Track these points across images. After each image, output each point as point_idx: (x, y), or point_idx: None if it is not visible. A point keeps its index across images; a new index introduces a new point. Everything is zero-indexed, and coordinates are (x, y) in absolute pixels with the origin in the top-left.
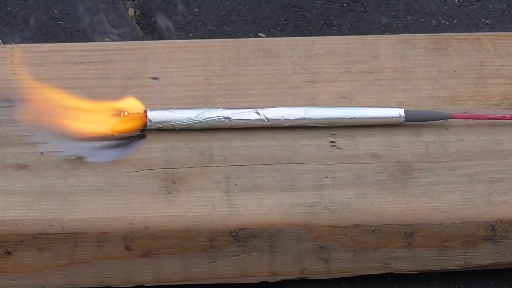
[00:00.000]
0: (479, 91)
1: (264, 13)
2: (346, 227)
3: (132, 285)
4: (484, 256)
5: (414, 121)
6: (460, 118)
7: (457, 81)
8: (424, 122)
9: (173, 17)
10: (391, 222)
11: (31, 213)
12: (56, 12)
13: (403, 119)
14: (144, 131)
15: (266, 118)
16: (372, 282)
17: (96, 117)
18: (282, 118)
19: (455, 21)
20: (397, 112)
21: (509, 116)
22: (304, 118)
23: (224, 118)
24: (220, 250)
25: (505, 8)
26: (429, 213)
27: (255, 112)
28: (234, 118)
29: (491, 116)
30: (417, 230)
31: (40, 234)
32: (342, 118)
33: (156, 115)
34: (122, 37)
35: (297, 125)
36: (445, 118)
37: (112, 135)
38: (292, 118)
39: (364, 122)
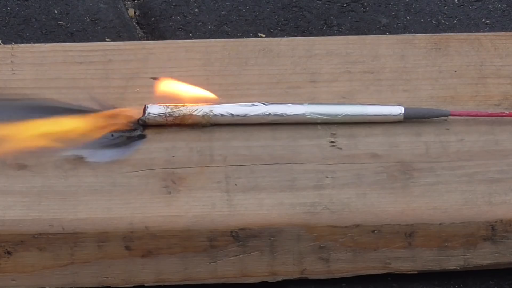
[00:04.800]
0: (479, 91)
1: (264, 13)
2: (346, 227)
3: (132, 285)
4: (484, 256)
5: (413, 118)
6: (459, 115)
7: (457, 81)
8: (424, 120)
9: (173, 17)
10: (391, 222)
11: (31, 213)
12: (56, 12)
13: (403, 116)
14: (144, 129)
15: (265, 105)
16: (372, 282)
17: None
18: (283, 113)
19: (455, 21)
20: (397, 109)
21: (507, 113)
22: (305, 113)
23: (225, 110)
24: (220, 250)
25: (505, 8)
26: (429, 213)
27: (255, 105)
28: (235, 110)
29: (490, 113)
30: (417, 230)
31: (40, 234)
32: (342, 114)
33: (155, 108)
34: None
35: (297, 120)
36: (445, 115)
37: (112, 135)
38: (292, 112)
39: (364, 119)
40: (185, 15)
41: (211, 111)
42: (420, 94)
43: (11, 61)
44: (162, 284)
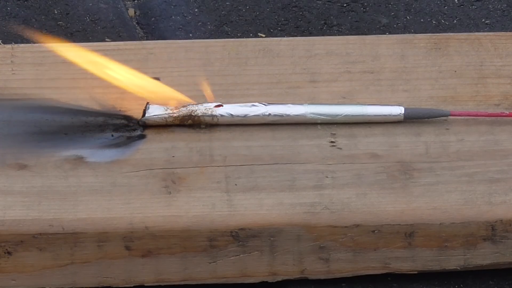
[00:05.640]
0: (479, 91)
1: (264, 13)
2: (346, 227)
3: (132, 285)
4: (484, 256)
5: (413, 118)
6: (459, 116)
7: (457, 81)
8: (424, 120)
9: (173, 17)
10: (391, 222)
11: (31, 213)
12: (56, 12)
13: (403, 116)
14: (144, 129)
15: (265, 106)
16: (372, 282)
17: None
18: (283, 113)
19: (455, 21)
20: (397, 109)
21: (507, 113)
22: (305, 113)
23: (225, 111)
24: (220, 250)
25: (505, 8)
26: (429, 213)
27: (255, 105)
28: (235, 111)
29: (490, 113)
30: (417, 230)
31: (40, 234)
32: (342, 114)
33: (155, 108)
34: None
35: (297, 120)
36: (445, 115)
37: (112, 135)
38: (292, 112)
39: (364, 119)
40: (185, 15)
41: (211, 111)
42: (420, 94)
43: (11, 61)
44: (162, 284)
